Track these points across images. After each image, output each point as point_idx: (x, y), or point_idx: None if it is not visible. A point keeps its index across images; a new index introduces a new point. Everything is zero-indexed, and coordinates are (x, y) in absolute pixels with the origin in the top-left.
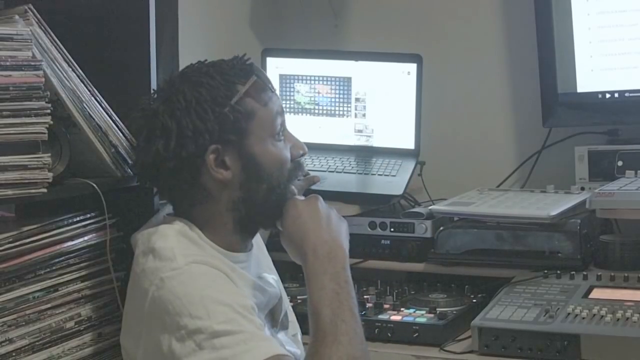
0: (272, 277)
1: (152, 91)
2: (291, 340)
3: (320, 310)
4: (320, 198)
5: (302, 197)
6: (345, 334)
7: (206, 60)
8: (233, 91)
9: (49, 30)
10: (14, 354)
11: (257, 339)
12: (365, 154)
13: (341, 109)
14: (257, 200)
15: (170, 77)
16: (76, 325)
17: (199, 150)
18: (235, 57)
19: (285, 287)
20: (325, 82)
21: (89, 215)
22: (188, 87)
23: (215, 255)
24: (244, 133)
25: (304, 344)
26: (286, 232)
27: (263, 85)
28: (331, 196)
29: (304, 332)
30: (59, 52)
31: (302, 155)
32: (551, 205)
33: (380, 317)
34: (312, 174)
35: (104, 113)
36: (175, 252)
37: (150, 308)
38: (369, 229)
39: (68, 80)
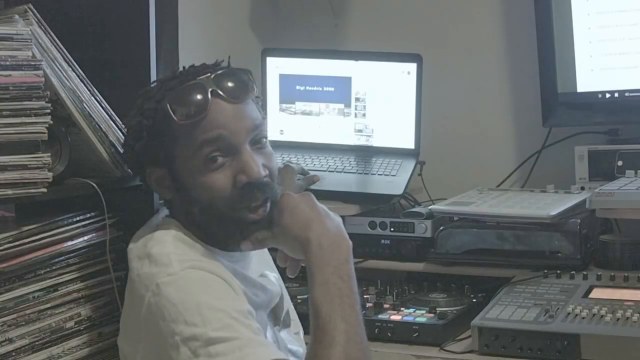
0: (274, 275)
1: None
2: (294, 339)
3: (321, 306)
4: (313, 195)
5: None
6: (344, 333)
7: (184, 67)
8: (156, 119)
9: (49, 30)
10: (13, 354)
11: (253, 345)
12: (365, 154)
13: (341, 108)
14: (196, 220)
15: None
16: (76, 325)
17: (138, 170)
18: (194, 70)
19: (285, 287)
20: (325, 82)
21: (88, 215)
22: (136, 107)
23: (212, 258)
24: (170, 159)
25: (306, 343)
26: (283, 225)
27: (191, 111)
28: (331, 196)
29: (306, 331)
30: (59, 52)
31: (250, 182)
32: (551, 205)
33: (380, 316)
34: (312, 173)
35: (104, 113)
36: (172, 258)
37: (146, 314)
38: (369, 229)
39: (68, 80)
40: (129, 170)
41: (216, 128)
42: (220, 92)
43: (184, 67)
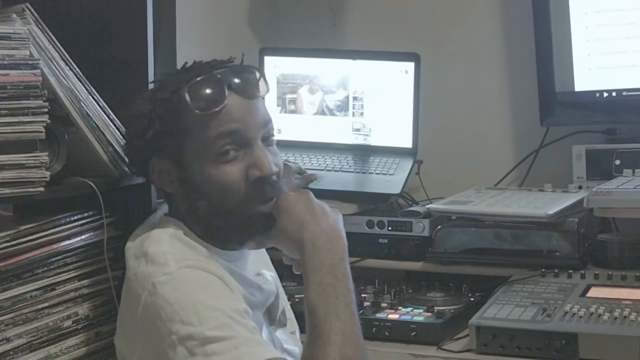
0: (270, 274)
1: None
2: (289, 338)
3: (316, 306)
4: (311, 193)
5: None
6: (340, 333)
7: (195, 61)
8: (169, 109)
9: (47, 29)
10: (11, 353)
11: (249, 344)
12: (363, 153)
13: (339, 107)
14: (201, 215)
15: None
16: (73, 324)
17: (140, 161)
18: (208, 64)
19: (283, 286)
20: (323, 81)
21: (86, 214)
22: (146, 96)
23: (209, 257)
24: (180, 150)
25: (302, 342)
26: (280, 227)
27: (209, 103)
28: (329, 195)
29: (302, 330)
30: (57, 51)
31: (262, 176)
32: (549, 204)
33: (378, 315)
34: (309, 172)
35: (102, 112)
36: (168, 257)
37: (143, 314)
38: (366, 228)
39: (66, 79)
40: (130, 162)
41: (232, 122)
42: (237, 87)
43: (195, 61)
